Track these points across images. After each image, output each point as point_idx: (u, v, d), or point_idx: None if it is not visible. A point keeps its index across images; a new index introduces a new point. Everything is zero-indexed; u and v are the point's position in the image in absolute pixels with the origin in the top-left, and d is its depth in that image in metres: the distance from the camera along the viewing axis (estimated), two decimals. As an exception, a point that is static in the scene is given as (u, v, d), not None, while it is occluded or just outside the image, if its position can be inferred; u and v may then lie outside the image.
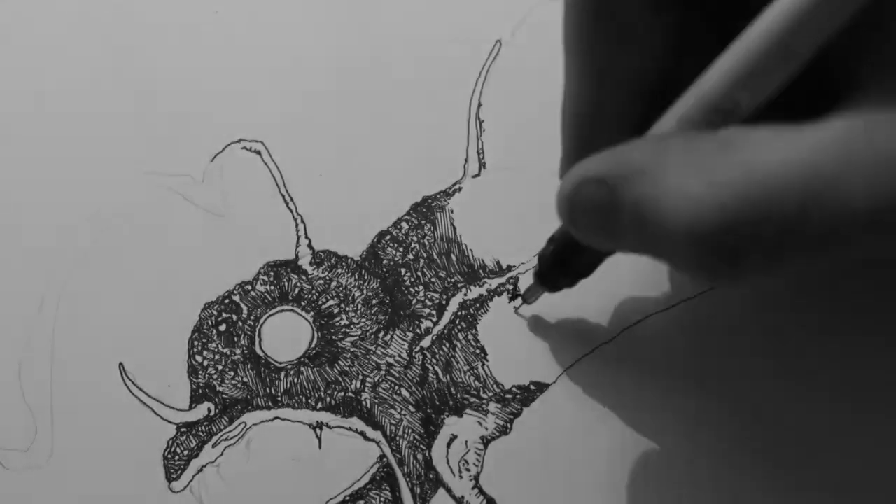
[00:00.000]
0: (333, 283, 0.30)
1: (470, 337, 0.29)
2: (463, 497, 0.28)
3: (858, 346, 0.28)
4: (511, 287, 0.29)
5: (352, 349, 0.29)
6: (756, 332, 0.28)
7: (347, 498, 0.28)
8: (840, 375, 0.28)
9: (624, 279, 0.29)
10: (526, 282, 0.29)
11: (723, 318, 0.29)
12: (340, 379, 0.29)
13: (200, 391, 0.29)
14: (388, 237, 0.30)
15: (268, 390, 0.29)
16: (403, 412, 0.29)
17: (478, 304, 0.29)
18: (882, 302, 0.28)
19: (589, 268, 0.26)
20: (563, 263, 0.25)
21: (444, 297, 0.30)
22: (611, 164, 0.20)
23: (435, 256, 0.30)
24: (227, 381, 0.29)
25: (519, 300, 0.29)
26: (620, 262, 0.26)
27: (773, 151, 0.17)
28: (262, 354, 0.30)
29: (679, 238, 0.18)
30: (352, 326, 0.30)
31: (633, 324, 0.29)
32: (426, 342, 0.29)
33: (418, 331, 0.29)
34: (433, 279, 0.30)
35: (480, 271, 0.30)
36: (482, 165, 0.31)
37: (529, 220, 0.29)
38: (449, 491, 0.28)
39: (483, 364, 0.29)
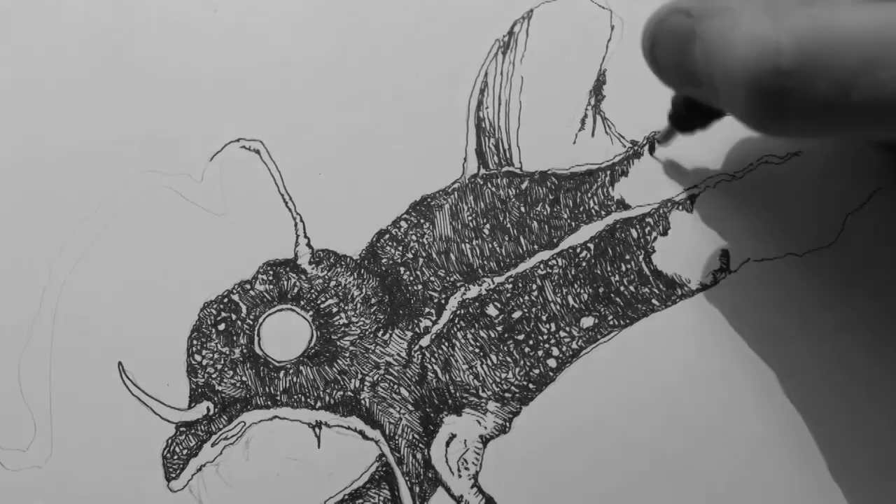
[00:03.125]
0: (332, 282, 0.30)
1: (469, 336, 0.29)
2: (462, 496, 0.28)
3: (859, 347, 0.28)
4: (649, 138, 0.30)
5: (351, 348, 0.29)
6: (756, 331, 0.28)
7: (346, 497, 0.28)
8: (841, 375, 0.28)
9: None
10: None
11: (723, 318, 0.29)
12: (339, 378, 0.29)
13: (199, 390, 0.29)
14: (387, 236, 0.30)
15: (267, 389, 0.29)
16: (402, 411, 0.29)
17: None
18: (882, 303, 0.28)
19: (718, 112, 0.25)
20: (698, 106, 0.25)
21: (443, 295, 0.30)
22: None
23: (434, 255, 0.30)
24: (226, 381, 0.29)
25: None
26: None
27: (846, 12, 0.17)
28: (261, 353, 0.30)
29: (736, 75, 0.18)
30: (351, 325, 0.30)
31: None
32: (425, 341, 0.29)
33: (417, 330, 0.29)
34: (432, 278, 0.30)
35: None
36: (481, 164, 0.31)
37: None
38: (448, 490, 0.28)
39: (482, 363, 0.29)
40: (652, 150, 0.30)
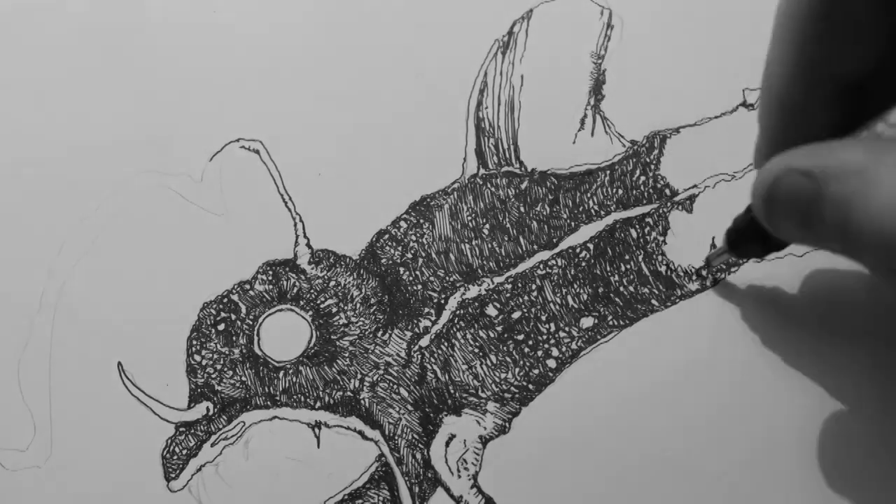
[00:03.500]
0: (332, 283, 0.30)
1: (469, 336, 0.29)
2: (461, 496, 0.28)
3: (860, 347, 0.28)
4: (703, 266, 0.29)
5: (350, 348, 0.29)
6: (755, 332, 0.28)
7: (346, 497, 0.28)
8: (841, 375, 0.28)
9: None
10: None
11: (723, 318, 0.29)
12: (339, 378, 0.29)
13: (199, 390, 0.29)
14: (386, 236, 0.30)
15: (266, 389, 0.29)
16: (402, 411, 0.29)
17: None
18: (883, 303, 0.28)
19: (784, 243, 0.25)
20: (758, 234, 0.25)
21: (443, 296, 0.30)
22: (819, 158, 0.20)
23: (433, 255, 0.30)
24: (225, 381, 0.29)
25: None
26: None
27: None
28: (260, 354, 0.30)
29: (882, 243, 0.18)
30: (350, 325, 0.30)
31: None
32: (425, 341, 0.29)
33: (417, 330, 0.29)
34: (432, 278, 0.30)
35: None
36: (480, 164, 0.31)
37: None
38: (447, 490, 0.28)
39: (482, 363, 0.29)
40: (706, 271, 0.29)
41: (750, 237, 0.25)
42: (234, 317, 0.30)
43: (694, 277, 0.29)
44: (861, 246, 0.19)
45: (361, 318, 0.30)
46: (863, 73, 0.21)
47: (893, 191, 0.18)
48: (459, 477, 0.28)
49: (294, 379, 0.29)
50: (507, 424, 0.29)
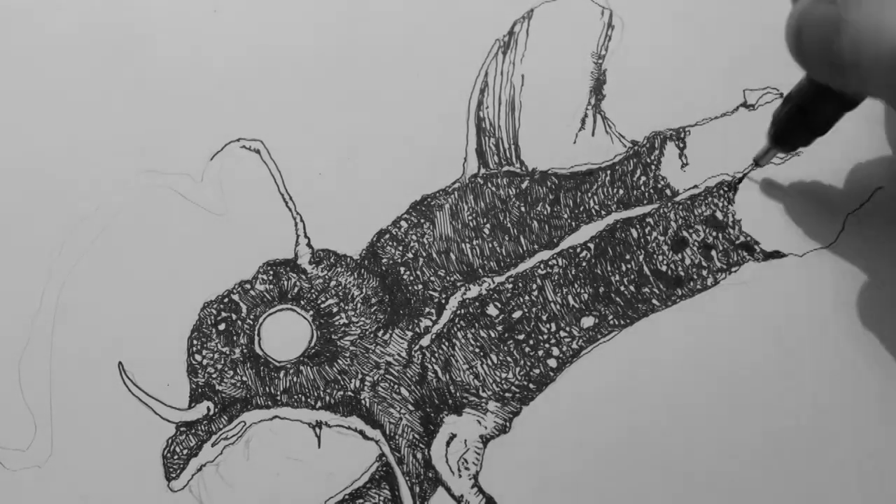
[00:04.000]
0: (333, 282, 0.30)
1: (470, 335, 0.29)
2: (462, 496, 0.28)
3: (860, 346, 0.28)
4: (733, 177, 0.30)
5: (351, 348, 0.29)
6: (757, 331, 0.28)
7: (347, 497, 0.28)
8: (842, 374, 0.28)
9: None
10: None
11: (724, 318, 0.29)
12: (340, 378, 0.29)
13: (200, 390, 0.29)
14: (387, 236, 0.30)
15: (267, 389, 0.29)
16: (402, 411, 0.29)
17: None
18: (883, 302, 0.28)
19: (826, 125, 0.26)
20: (801, 120, 0.26)
21: (444, 295, 0.30)
22: None
23: (434, 255, 0.30)
24: (226, 380, 0.29)
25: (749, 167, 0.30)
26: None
27: None
28: (261, 353, 0.30)
29: (890, 59, 0.18)
30: (351, 325, 0.30)
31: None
32: (425, 341, 0.29)
33: (417, 329, 0.29)
34: (432, 278, 0.30)
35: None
36: (481, 164, 0.31)
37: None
38: (448, 490, 0.28)
39: (482, 363, 0.29)
40: (756, 164, 0.30)
41: (792, 127, 0.27)
42: (234, 316, 0.30)
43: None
44: (873, 69, 0.19)
45: (362, 318, 0.30)
46: None
47: None
48: (460, 476, 0.28)
49: (295, 379, 0.29)
50: (507, 424, 0.29)
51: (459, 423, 0.29)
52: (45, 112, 0.32)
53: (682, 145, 0.30)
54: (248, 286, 0.30)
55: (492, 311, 0.29)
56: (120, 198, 0.31)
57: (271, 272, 0.30)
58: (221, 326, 0.30)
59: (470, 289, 0.30)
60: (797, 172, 0.30)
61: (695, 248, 0.29)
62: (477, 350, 0.29)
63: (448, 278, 0.30)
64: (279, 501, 0.28)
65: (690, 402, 0.28)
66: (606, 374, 0.29)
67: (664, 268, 0.29)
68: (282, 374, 0.29)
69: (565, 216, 0.30)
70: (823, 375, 0.28)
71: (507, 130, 0.31)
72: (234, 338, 0.30)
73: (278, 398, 0.29)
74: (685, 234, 0.29)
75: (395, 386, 0.29)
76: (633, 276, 0.29)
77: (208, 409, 0.29)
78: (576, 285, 0.29)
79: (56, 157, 0.32)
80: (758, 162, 0.29)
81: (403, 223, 0.30)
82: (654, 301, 0.29)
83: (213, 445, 0.29)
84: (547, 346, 0.29)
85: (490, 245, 0.30)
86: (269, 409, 0.29)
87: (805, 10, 0.21)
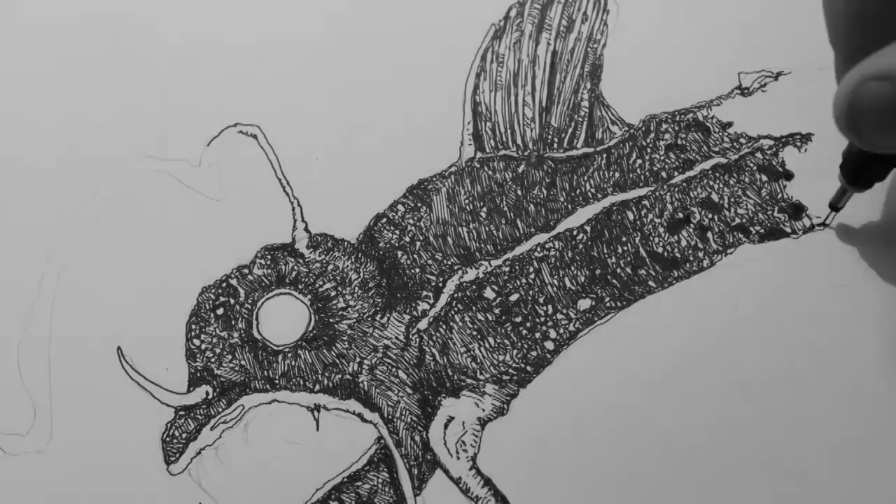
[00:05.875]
0: (330, 267, 0.30)
1: (467, 318, 0.29)
2: (460, 478, 0.28)
3: (856, 331, 0.28)
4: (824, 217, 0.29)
5: (349, 331, 0.30)
6: (752, 313, 0.29)
7: (345, 479, 0.28)
8: (839, 361, 0.28)
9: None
10: None
11: (720, 299, 0.29)
12: (338, 361, 0.29)
13: (198, 374, 0.29)
14: (384, 220, 0.30)
15: (265, 373, 0.29)
16: (401, 394, 0.29)
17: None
18: (879, 286, 0.28)
19: None
20: (874, 155, 0.25)
21: (441, 279, 0.30)
22: (892, 58, 0.20)
23: (431, 239, 0.30)
24: (224, 365, 0.29)
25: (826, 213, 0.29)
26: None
27: None
28: (259, 337, 0.30)
29: None
30: (349, 309, 0.30)
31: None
32: (423, 324, 0.29)
33: (415, 313, 0.30)
34: (429, 261, 0.30)
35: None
36: (478, 148, 0.31)
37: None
38: (446, 472, 0.28)
39: (480, 345, 0.29)
40: (834, 209, 0.29)
41: (866, 165, 0.26)
42: (232, 301, 0.30)
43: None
44: None
45: (360, 302, 0.30)
46: None
47: None
48: (458, 459, 0.28)
49: (293, 362, 0.29)
50: (505, 406, 0.29)
51: (457, 406, 0.29)
52: (43, 98, 0.32)
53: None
54: (245, 271, 0.30)
55: (489, 294, 0.30)
56: (118, 183, 0.31)
57: (269, 257, 0.30)
58: (220, 311, 0.30)
59: (467, 272, 0.30)
60: (793, 158, 0.30)
61: (691, 230, 0.29)
62: (474, 333, 0.29)
63: (445, 262, 0.30)
64: (278, 484, 0.28)
65: (687, 382, 0.28)
66: (603, 355, 0.29)
67: (660, 250, 0.29)
68: (280, 358, 0.29)
69: (561, 199, 0.30)
70: (818, 357, 0.28)
71: (504, 114, 0.31)
72: (233, 322, 0.30)
73: (277, 382, 0.29)
74: (692, 209, 0.29)
75: (393, 369, 0.29)
76: (629, 259, 0.29)
77: (207, 393, 0.29)
78: (572, 268, 0.29)
79: (54, 143, 0.32)
80: (835, 206, 0.28)
81: (400, 207, 0.30)
82: (651, 283, 0.29)
83: (211, 429, 0.29)
84: (544, 328, 0.29)
85: (487, 228, 0.30)
86: (267, 393, 0.29)
87: (855, 93, 0.21)
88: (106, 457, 0.29)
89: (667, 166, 0.30)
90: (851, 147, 0.26)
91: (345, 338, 0.29)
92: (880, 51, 0.20)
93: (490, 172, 0.31)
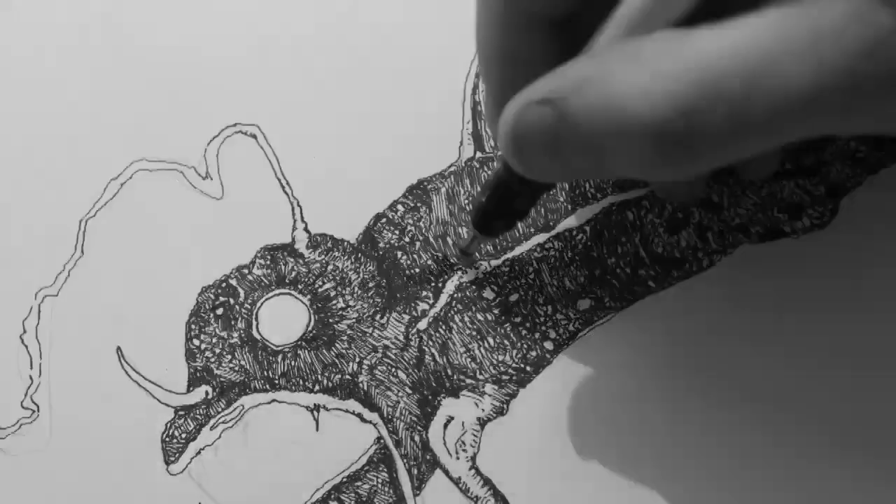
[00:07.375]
0: (330, 267, 0.30)
1: (466, 318, 0.29)
2: (460, 478, 0.28)
3: (855, 329, 0.28)
4: (439, 256, 0.30)
5: (348, 332, 0.30)
6: (752, 313, 0.29)
7: (345, 479, 0.28)
8: (838, 358, 0.28)
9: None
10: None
11: (720, 300, 0.29)
12: (337, 361, 0.29)
13: (198, 374, 0.29)
14: (383, 220, 0.30)
15: (265, 373, 0.29)
16: (400, 394, 0.29)
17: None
18: (878, 284, 0.28)
19: (526, 208, 0.26)
20: (502, 207, 0.25)
21: (441, 279, 0.30)
22: (550, 83, 0.19)
23: (431, 239, 0.30)
24: (224, 365, 0.29)
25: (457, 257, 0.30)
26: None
27: (711, 41, 0.17)
28: (259, 338, 0.30)
29: (634, 131, 0.18)
30: (348, 309, 0.30)
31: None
32: (423, 324, 0.29)
33: (415, 313, 0.30)
34: (429, 262, 0.30)
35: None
36: (477, 148, 0.31)
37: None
38: (446, 472, 0.28)
39: (479, 346, 0.29)
40: (463, 257, 0.29)
41: (495, 213, 0.26)
42: (232, 301, 0.30)
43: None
44: (614, 150, 0.18)
45: (359, 302, 0.30)
46: (566, 7, 0.22)
47: (626, 85, 0.18)
48: (458, 459, 0.28)
49: (292, 362, 0.29)
50: (504, 406, 0.29)
51: (457, 406, 0.29)
52: (42, 99, 0.32)
53: None
54: (245, 271, 0.30)
55: (488, 294, 0.30)
56: (117, 184, 0.31)
57: (269, 257, 0.30)
58: (219, 311, 0.30)
59: (466, 272, 0.30)
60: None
61: (690, 230, 0.29)
62: (474, 333, 0.29)
63: (445, 262, 0.30)
64: (277, 484, 0.28)
65: (687, 383, 0.28)
66: (603, 356, 0.29)
67: (660, 249, 0.29)
68: (280, 358, 0.29)
69: (561, 199, 0.30)
70: (818, 357, 0.28)
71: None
72: (232, 322, 0.30)
73: (276, 382, 0.29)
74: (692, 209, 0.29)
75: (393, 369, 0.29)
76: (629, 259, 0.29)
77: (206, 393, 0.29)
78: (572, 268, 0.29)
79: (53, 144, 0.32)
80: (469, 252, 0.29)
81: (400, 207, 0.30)
82: (650, 283, 0.29)
83: (211, 429, 0.29)
84: (543, 328, 0.29)
85: (486, 228, 0.30)
86: (267, 393, 0.29)
87: (517, 121, 0.20)
88: (106, 457, 0.29)
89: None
90: (478, 199, 0.26)
91: (344, 338, 0.30)
92: (543, 77, 0.20)
93: (489, 172, 0.31)
